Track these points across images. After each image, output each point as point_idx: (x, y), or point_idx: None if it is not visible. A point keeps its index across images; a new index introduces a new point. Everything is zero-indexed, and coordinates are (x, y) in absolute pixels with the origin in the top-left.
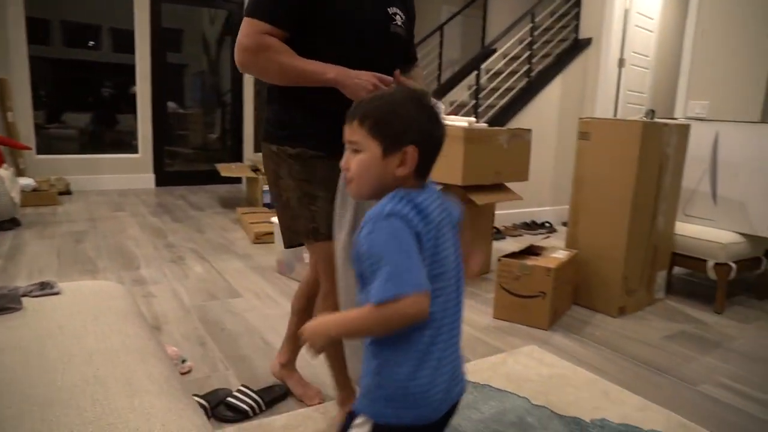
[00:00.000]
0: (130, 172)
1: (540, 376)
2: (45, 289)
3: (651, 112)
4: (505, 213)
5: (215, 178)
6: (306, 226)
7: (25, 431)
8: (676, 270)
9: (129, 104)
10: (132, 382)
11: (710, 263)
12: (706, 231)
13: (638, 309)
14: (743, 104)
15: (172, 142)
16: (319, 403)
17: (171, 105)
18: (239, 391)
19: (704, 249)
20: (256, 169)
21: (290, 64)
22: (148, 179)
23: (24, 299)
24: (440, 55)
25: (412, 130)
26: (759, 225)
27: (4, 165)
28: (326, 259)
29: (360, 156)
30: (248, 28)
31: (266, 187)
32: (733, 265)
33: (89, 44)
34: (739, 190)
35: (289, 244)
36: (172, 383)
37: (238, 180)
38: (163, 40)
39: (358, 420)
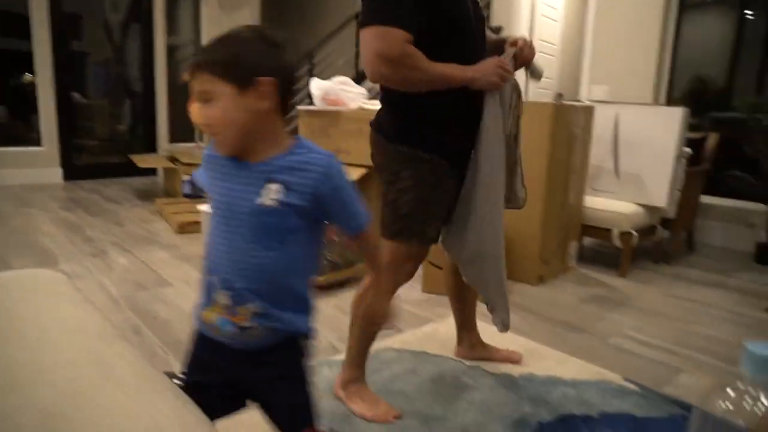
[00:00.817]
0: (34, 166)
1: None
2: None
3: (559, 96)
4: None
5: (128, 171)
6: (416, 228)
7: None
8: (586, 240)
9: (25, 94)
10: (103, 362)
11: (615, 232)
12: (611, 203)
13: (554, 277)
14: (638, 88)
15: (79, 134)
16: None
17: (74, 95)
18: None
19: (610, 219)
20: (174, 160)
21: (433, 70)
22: (54, 173)
23: None
24: (356, 43)
25: (264, 65)
26: (654, 196)
27: None
28: (414, 262)
29: (216, 104)
30: (389, 38)
31: (186, 177)
32: (635, 233)
33: None
34: (637, 165)
35: (389, 237)
36: (146, 366)
37: (152, 171)
38: (64, 25)
39: None
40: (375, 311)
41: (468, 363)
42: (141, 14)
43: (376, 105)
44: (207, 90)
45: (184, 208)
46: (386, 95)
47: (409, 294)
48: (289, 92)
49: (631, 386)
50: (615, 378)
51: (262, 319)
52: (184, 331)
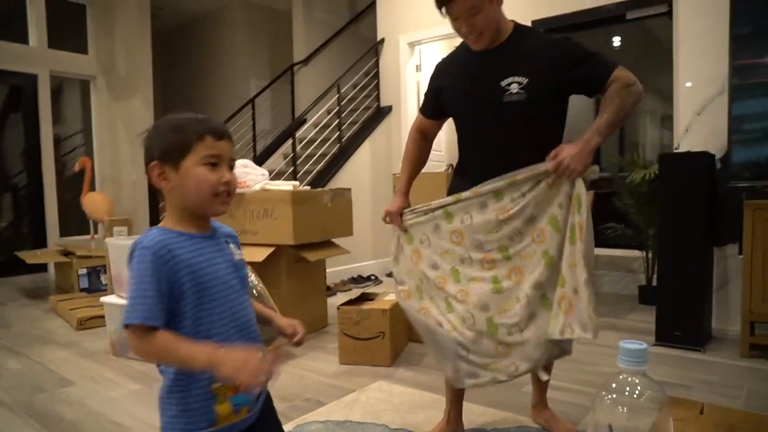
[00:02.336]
0: None
1: (392, 405)
2: None
3: (450, 166)
4: (333, 270)
5: (12, 269)
6: None
7: None
8: None
9: None
10: None
11: None
12: None
13: None
14: None
15: None
16: None
17: None
18: None
19: None
20: (67, 253)
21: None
22: None
23: None
24: (254, 126)
25: (153, 149)
26: None
27: None
28: None
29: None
30: None
31: (82, 271)
32: None
33: None
34: None
35: None
36: None
37: (41, 268)
38: None
39: None
40: None
41: (392, 426)
42: (21, 103)
43: (279, 185)
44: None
45: (84, 303)
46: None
47: (327, 367)
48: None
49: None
50: (533, 423)
51: None
52: (96, 431)
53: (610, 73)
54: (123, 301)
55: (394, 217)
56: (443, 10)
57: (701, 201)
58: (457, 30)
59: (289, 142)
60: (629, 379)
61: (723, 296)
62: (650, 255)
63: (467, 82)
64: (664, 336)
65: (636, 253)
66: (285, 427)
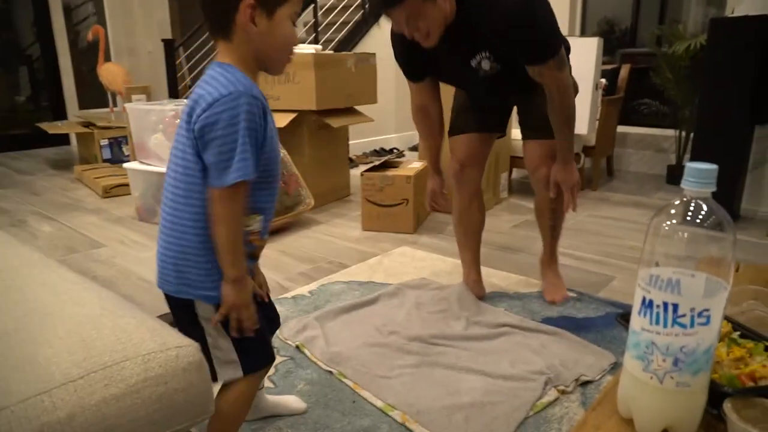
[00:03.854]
0: None
1: (415, 269)
2: None
3: None
4: (355, 143)
5: (36, 142)
6: None
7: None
8: (515, 173)
9: None
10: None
11: None
12: None
13: (488, 208)
14: None
15: None
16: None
17: None
18: None
19: None
20: (88, 125)
21: None
22: None
23: None
24: None
25: None
26: (577, 124)
27: None
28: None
29: None
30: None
31: (104, 142)
32: None
33: None
34: None
35: None
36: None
37: (64, 141)
38: None
39: None
40: None
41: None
42: None
43: (301, 48)
44: None
45: (108, 172)
46: None
47: (350, 233)
48: None
49: (570, 294)
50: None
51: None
52: (127, 287)
53: (538, 65)
54: (146, 167)
55: (438, 197)
56: (381, 18)
57: (751, 73)
58: (401, 32)
59: (310, 8)
60: (693, 202)
61: (758, 176)
62: (683, 134)
63: (436, 64)
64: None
65: (668, 132)
66: (309, 287)
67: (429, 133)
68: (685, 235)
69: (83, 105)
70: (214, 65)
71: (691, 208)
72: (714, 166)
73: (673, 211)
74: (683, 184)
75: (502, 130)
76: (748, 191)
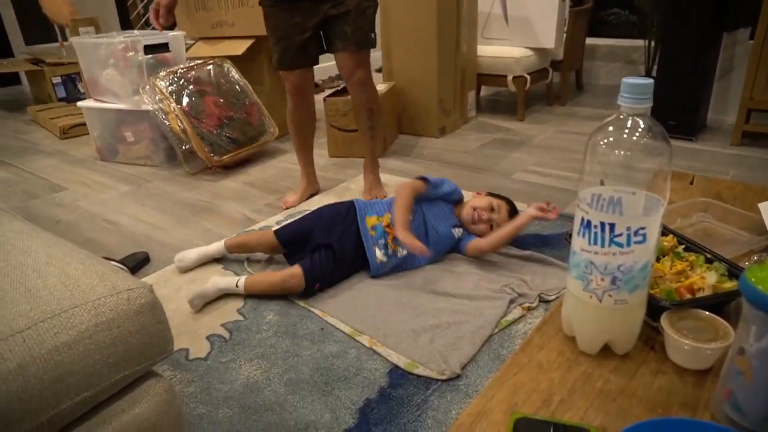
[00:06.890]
0: None
1: None
2: None
3: None
4: (319, 67)
5: None
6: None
7: None
8: (483, 91)
9: None
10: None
11: (509, 77)
12: (503, 50)
13: (456, 128)
14: None
15: None
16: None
17: None
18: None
19: (503, 65)
20: (37, 62)
21: None
22: None
23: None
24: None
25: None
26: (543, 38)
27: None
28: None
29: None
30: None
31: (57, 80)
32: (528, 76)
33: None
34: (525, 9)
35: None
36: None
37: (15, 80)
38: None
39: None
40: None
41: None
42: None
43: None
44: None
45: (64, 112)
46: None
47: (317, 160)
48: None
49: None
50: (521, 206)
51: None
52: (91, 230)
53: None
54: (101, 105)
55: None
56: None
57: None
58: None
59: None
60: (630, 119)
61: (724, 86)
62: (653, 44)
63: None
64: None
65: (638, 42)
66: (276, 217)
67: None
68: (622, 152)
69: (30, 41)
70: None
71: (628, 125)
72: (650, 81)
73: (610, 128)
74: (620, 101)
75: None
76: (715, 100)
